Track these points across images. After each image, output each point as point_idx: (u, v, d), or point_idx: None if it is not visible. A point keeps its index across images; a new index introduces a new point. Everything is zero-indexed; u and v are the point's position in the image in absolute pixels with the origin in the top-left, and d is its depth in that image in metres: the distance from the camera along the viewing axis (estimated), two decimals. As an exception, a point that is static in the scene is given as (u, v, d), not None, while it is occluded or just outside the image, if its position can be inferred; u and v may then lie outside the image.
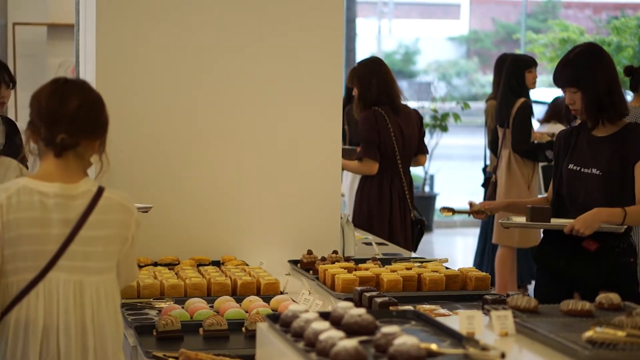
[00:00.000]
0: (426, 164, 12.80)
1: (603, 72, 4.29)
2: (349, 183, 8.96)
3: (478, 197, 8.41)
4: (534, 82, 7.63)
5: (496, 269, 7.89)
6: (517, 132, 7.51)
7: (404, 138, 6.39)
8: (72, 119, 2.88)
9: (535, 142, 7.67)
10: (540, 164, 10.28)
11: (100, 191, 2.93)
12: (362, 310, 2.76)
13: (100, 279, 2.93)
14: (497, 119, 7.77)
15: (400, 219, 6.38)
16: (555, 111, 10.67)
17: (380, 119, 6.27)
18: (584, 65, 4.31)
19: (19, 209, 2.85)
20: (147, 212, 4.30)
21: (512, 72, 7.59)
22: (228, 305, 3.68)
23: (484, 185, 8.33)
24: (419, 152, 6.62)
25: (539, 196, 7.62)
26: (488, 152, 8.44)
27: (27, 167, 4.10)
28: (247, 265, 4.50)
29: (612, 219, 4.21)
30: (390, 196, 6.31)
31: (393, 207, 6.33)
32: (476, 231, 9.46)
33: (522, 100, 7.49)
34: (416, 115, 6.63)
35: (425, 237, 12.62)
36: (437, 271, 4.21)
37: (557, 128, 10.21)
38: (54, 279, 2.87)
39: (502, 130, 7.68)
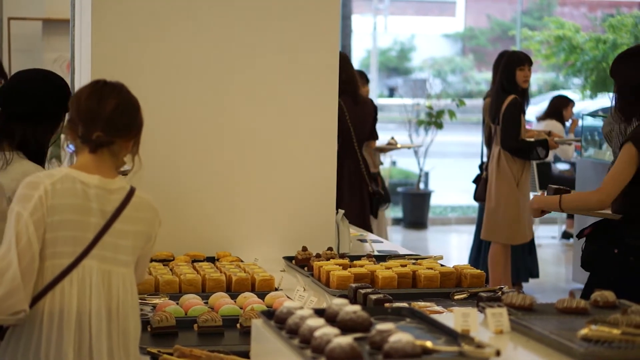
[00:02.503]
0: (421, 161, 12.88)
1: (634, 69, 4.38)
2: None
3: (471, 194, 8.43)
4: (525, 81, 7.60)
5: (489, 265, 7.90)
6: (505, 129, 7.52)
7: (360, 124, 7.31)
8: (108, 119, 3.00)
9: (526, 139, 7.66)
10: (535, 162, 10.33)
11: (133, 189, 3.07)
12: (357, 307, 2.76)
13: (125, 272, 3.02)
14: (490, 115, 7.78)
15: (352, 191, 7.28)
16: (553, 109, 10.68)
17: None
18: (622, 60, 4.48)
19: (63, 195, 2.95)
20: (126, 174, 4.27)
21: (504, 69, 7.60)
22: (223, 302, 3.68)
23: (474, 181, 8.34)
24: (370, 137, 7.70)
25: (532, 194, 7.63)
26: (485, 149, 8.44)
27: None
28: (241, 261, 4.49)
29: (548, 206, 4.54)
30: (340, 173, 6.80)
31: (343, 181, 7.10)
32: (471, 228, 9.48)
33: (511, 97, 7.49)
34: (371, 105, 7.61)
35: (420, 234, 12.75)
36: (432, 268, 4.21)
37: (553, 125, 10.22)
38: (87, 266, 2.96)
39: (494, 127, 7.69)
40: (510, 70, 7.56)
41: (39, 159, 3.89)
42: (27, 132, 3.86)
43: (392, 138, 10.10)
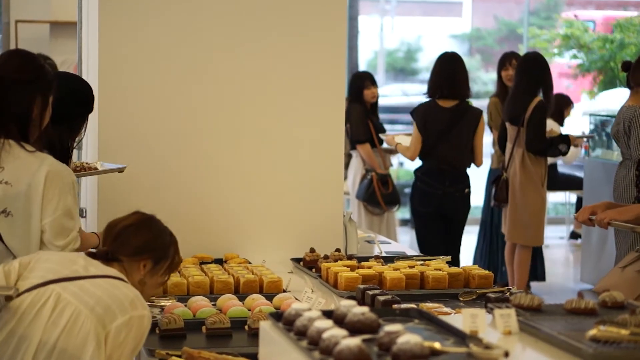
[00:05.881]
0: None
1: None
2: (351, 181, 8.96)
3: (477, 194, 8.38)
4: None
5: (515, 267, 7.88)
6: (532, 131, 7.47)
7: None
8: (116, 235, 3.13)
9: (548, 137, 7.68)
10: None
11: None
12: (365, 309, 2.76)
13: (83, 311, 2.95)
14: (508, 116, 7.68)
15: None
16: (554, 108, 10.56)
17: None
18: None
19: None
20: (122, 171, 4.36)
21: (533, 71, 7.54)
22: (231, 304, 3.68)
23: (493, 182, 8.24)
24: None
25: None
26: (490, 149, 8.40)
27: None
28: (249, 263, 4.49)
29: None
30: None
31: None
32: (477, 229, 9.46)
33: (537, 99, 7.46)
34: None
35: (428, 235, 12.66)
36: (440, 269, 4.21)
37: (552, 126, 10.18)
38: (50, 288, 2.98)
39: (514, 128, 7.59)
40: (545, 71, 7.53)
41: (64, 160, 3.91)
42: (51, 134, 3.90)
43: None
